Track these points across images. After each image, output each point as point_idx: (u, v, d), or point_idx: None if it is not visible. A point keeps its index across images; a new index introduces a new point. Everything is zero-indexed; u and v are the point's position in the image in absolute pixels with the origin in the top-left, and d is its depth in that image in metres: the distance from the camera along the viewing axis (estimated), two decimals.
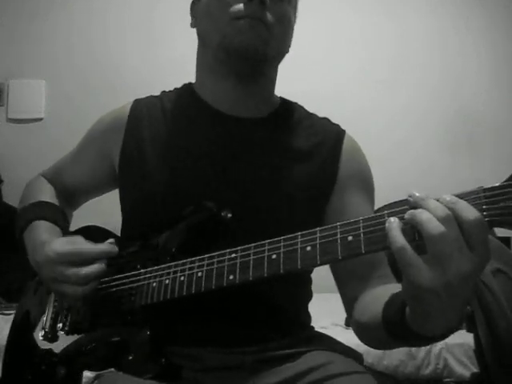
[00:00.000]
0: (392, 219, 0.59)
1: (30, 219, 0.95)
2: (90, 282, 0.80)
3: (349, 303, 0.90)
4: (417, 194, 0.59)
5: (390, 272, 0.91)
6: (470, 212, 0.56)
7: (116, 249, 0.84)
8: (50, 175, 1.09)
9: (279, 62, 0.97)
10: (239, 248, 0.72)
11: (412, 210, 0.59)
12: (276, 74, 1.00)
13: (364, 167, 0.99)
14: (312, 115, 1.02)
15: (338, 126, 1.01)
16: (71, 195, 1.08)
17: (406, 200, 0.61)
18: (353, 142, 0.99)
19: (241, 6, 0.88)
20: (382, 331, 0.71)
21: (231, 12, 0.88)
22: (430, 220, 0.56)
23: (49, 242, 0.85)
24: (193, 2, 0.99)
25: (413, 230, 0.58)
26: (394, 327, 0.68)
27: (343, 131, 1.00)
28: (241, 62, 0.89)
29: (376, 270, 0.89)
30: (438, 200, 0.58)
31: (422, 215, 0.57)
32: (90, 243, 0.84)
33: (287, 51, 0.97)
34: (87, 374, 0.86)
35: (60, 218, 0.98)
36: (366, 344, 0.83)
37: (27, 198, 1.02)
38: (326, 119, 1.02)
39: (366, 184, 0.98)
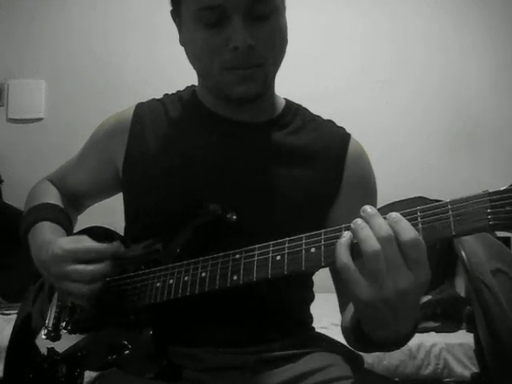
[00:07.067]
0: (345, 233, 0.63)
1: (34, 220, 0.95)
2: (95, 281, 0.79)
3: (342, 306, 0.91)
4: (368, 210, 0.62)
5: None
6: (407, 233, 0.59)
7: (122, 248, 0.83)
8: (54, 179, 1.09)
9: None
10: (244, 249, 0.72)
11: (356, 227, 0.61)
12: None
13: (369, 173, 0.98)
14: (317, 118, 1.00)
15: (343, 129, 1.00)
16: (76, 199, 1.08)
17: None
18: (358, 147, 0.98)
19: (229, 55, 0.82)
20: (351, 335, 0.79)
21: (221, 61, 0.83)
22: (366, 238, 0.59)
23: (54, 240, 0.85)
24: (172, 12, 0.93)
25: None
26: (355, 332, 0.75)
27: (348, 135, 0.98)
28: (241, 102, 0.89)
29: None
30: (385, 218, 0.61)
31: (362, 233, 0.60)
32: (95, 242, 0.83)
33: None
34: (89, 374, 0.86)
35: (64, 219, 0.98)
36: (350, 347, 0.86)
37: (32, 201, 1.02)
38: (331, 122, 1.01)
39: (370, 190, 0.97)
